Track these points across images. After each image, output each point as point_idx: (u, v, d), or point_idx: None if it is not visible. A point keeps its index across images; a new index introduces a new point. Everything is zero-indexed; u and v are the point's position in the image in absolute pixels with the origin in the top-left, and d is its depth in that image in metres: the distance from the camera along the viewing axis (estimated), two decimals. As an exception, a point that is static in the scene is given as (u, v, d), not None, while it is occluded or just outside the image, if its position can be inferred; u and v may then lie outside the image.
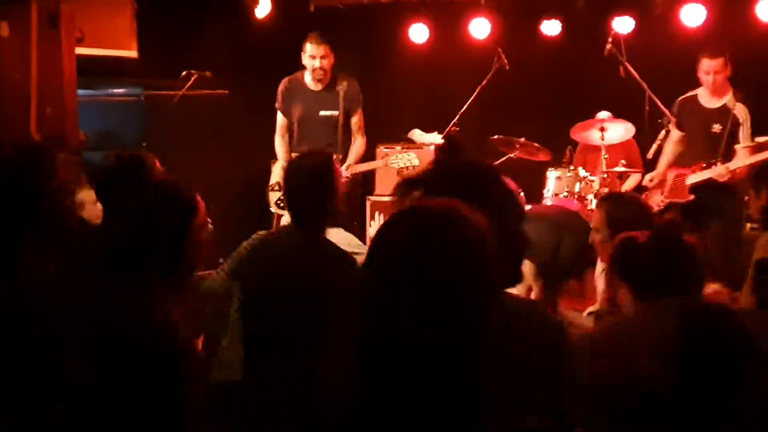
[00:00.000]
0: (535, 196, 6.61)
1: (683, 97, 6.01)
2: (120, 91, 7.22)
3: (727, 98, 5.74)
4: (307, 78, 5.93)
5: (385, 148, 7.20)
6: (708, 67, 5.65)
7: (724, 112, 5.73)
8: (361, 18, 8.55)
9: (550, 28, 7.82)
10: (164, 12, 7.21)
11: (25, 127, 5.15)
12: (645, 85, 6.44)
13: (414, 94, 8.39)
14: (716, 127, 5.71)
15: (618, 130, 6.54)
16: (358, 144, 6.02)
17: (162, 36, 7.18)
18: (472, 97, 7.04)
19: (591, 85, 7.45)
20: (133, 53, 6.66)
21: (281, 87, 6.09)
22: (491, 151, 6.98)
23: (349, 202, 6.03)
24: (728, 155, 5.64)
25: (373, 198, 7.27)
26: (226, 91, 7.37)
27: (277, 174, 6.11)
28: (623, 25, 7.28)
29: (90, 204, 5.29)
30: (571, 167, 6.63)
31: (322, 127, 5.89)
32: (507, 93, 7.41)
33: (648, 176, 6.15)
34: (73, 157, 5.30)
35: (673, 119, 5.96)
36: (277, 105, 6.10)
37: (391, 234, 1.44)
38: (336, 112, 5.85)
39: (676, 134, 6.02)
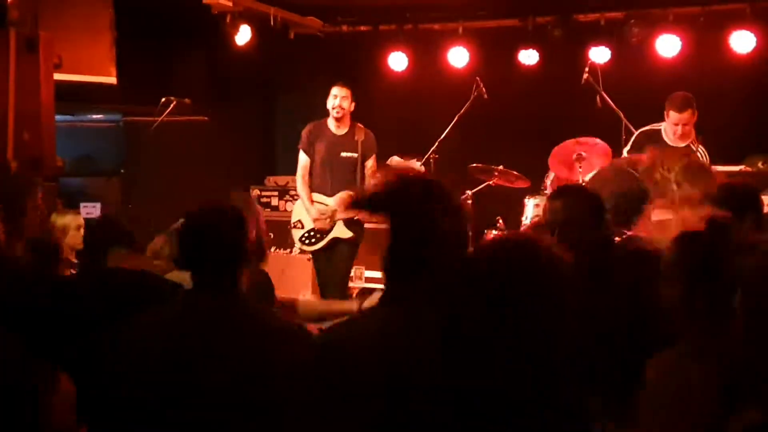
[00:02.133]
0: (513, 223, 6.64)
1: (645, 129, 6.05)
2: (99, 117, 7.22)
3: (690, 140, 5.86)
4: (330, 122, 6.39)
5: (364, 174, 7.25)
6: (677, 120, 5.74)
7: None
8: (341, 46, 8.60)
9: (528, 57, 7.89)
10: (144, 38, 7.22)
11: (2, 152, 5.11)
12: (621, 114, 6.52)
13: (393, 121, 8.42)
14: None
15: (595, 162, 6.57)
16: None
17: (141, 62, 7.18)
18: (451, 125, 7.09)
19: (568, 114, 7.51)
20: (112, 79, 6.65)
21: (306, 130, 6.47)
22: (470, 178, 7.02)
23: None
24: None
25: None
26: (206, 118, 7.38)
27: (298, 213, 6.54)
28: (599, 54, 7.37)
29: (74, 230, 5.26)
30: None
31: (342, 167, 6.33)
32: (485, 121, 7.46)
33: None
34: (50, 183, 5.27)
35: (629, 147, 6.10)
36: (301, 146, 6.44)
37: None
38: (355, 155, 6.33)
39: None
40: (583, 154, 6.52)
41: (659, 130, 5.96)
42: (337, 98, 6.30)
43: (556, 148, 6.58)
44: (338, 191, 6.20)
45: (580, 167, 6.47)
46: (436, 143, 7.11)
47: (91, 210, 6.64)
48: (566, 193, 3.32)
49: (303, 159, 6.42)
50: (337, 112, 6.30)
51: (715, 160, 5.93)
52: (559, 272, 1.58)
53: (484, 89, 7.07)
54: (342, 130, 6.37)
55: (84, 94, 6.69)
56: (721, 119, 6.90)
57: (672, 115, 5.77)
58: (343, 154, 6.34)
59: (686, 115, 5.73)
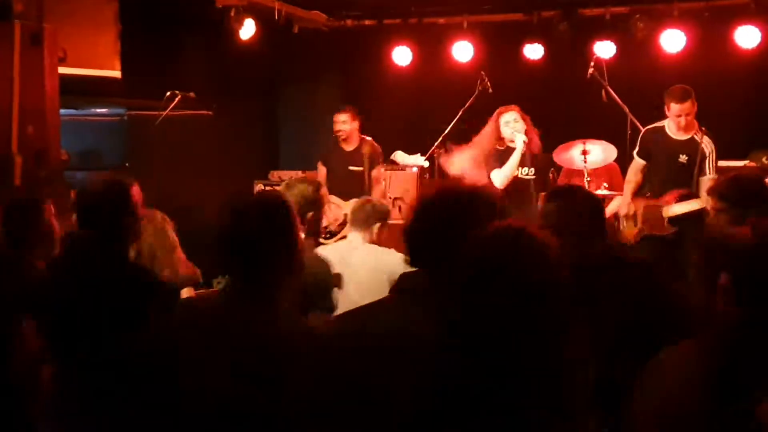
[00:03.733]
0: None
1: (650, 127, 6.08)
2: (103, 111, 7.20)
3: (694, 131, 5.86)
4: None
5: (369, 169, 7.29)
6: (679, 111, 5.78)
7: (691, 144, 5.84)
8: (345, 40, 8.60)
9: (533, 51, 7.88)
10: (148, 32, 7.21)
11: (6, 146, 5.11)
12: (626, 109, 6.51)
13: (397, 116, 8.42)
14: (683, 158, 5.84)
15: (600, 154, 6.58)
16: (377, 191, 7.03)
17: (146, 56, 7.17)
18: (455, 120, 7.08)
19: (573, 109, 7.50)
20: (116, 73, 6.64)
21: (327, 145, 7.22)
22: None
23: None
24: (695, 186, 5.76)
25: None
26: (210, 112, 7.37)
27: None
28: (605, 49, 7.36)
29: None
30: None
31: (351, 179, 7.00)
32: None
33: (617, 204, 6.25)
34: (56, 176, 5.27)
35: (636, 147, 6.10)
36: (320, 158, 7.21)
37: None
38: (361, 168, 6.97)
39: (639, 163, 6.11)
40: (588, 148, 6.51)
41: (663, 127, 5.98)
42: (337, 124, 7.03)
43: (560, 146, 6.55)
44: (350, 198, 6.70)
45: (585, 162, 6.47)
46: (441, 138, 7.10)
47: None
48: (562, 195, 3.12)
49: (322, 170, 7.16)
50: (340, 136, 7.03)
51: (719, 155, 5.93)
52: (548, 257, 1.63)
53: (489, 83, 7.06)
54: (350, 147, 7.04)
55: (88, 88, 6.68)
56: (725, 114, 6.89)
57: (673, 107, 5.79)
58: (351, 167, 7.02)
59: (687, 104, 5.77)
